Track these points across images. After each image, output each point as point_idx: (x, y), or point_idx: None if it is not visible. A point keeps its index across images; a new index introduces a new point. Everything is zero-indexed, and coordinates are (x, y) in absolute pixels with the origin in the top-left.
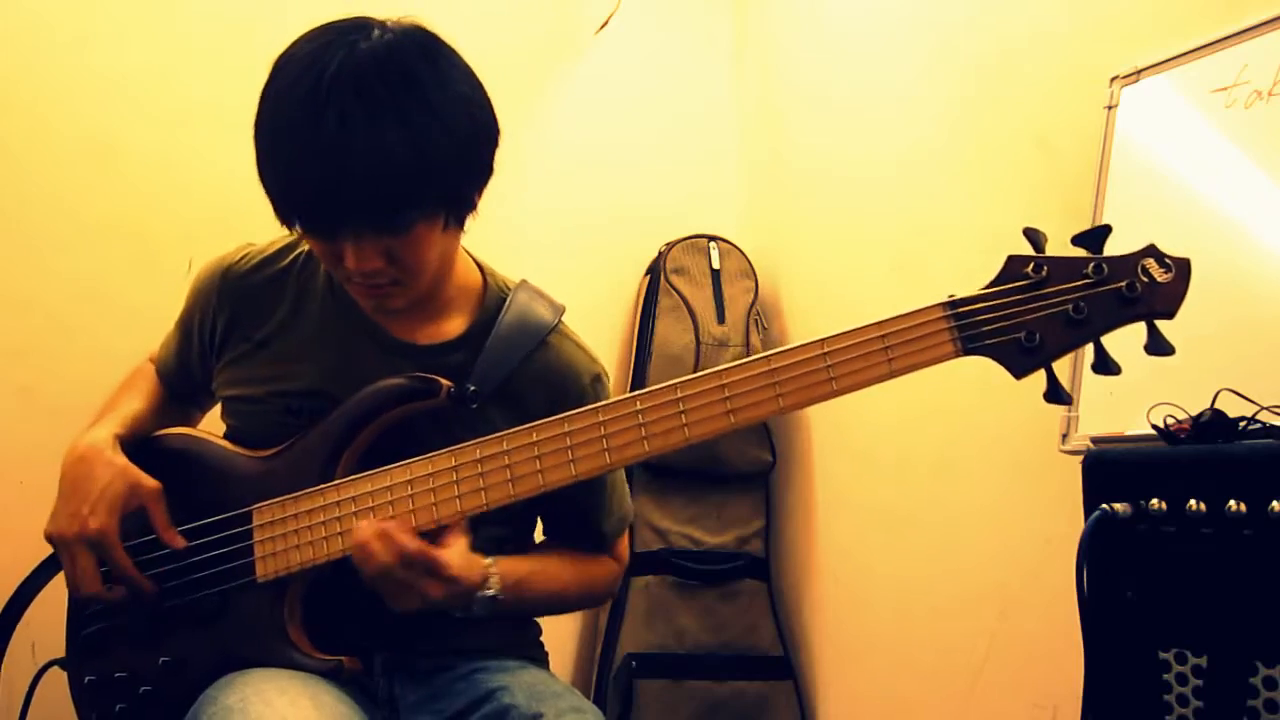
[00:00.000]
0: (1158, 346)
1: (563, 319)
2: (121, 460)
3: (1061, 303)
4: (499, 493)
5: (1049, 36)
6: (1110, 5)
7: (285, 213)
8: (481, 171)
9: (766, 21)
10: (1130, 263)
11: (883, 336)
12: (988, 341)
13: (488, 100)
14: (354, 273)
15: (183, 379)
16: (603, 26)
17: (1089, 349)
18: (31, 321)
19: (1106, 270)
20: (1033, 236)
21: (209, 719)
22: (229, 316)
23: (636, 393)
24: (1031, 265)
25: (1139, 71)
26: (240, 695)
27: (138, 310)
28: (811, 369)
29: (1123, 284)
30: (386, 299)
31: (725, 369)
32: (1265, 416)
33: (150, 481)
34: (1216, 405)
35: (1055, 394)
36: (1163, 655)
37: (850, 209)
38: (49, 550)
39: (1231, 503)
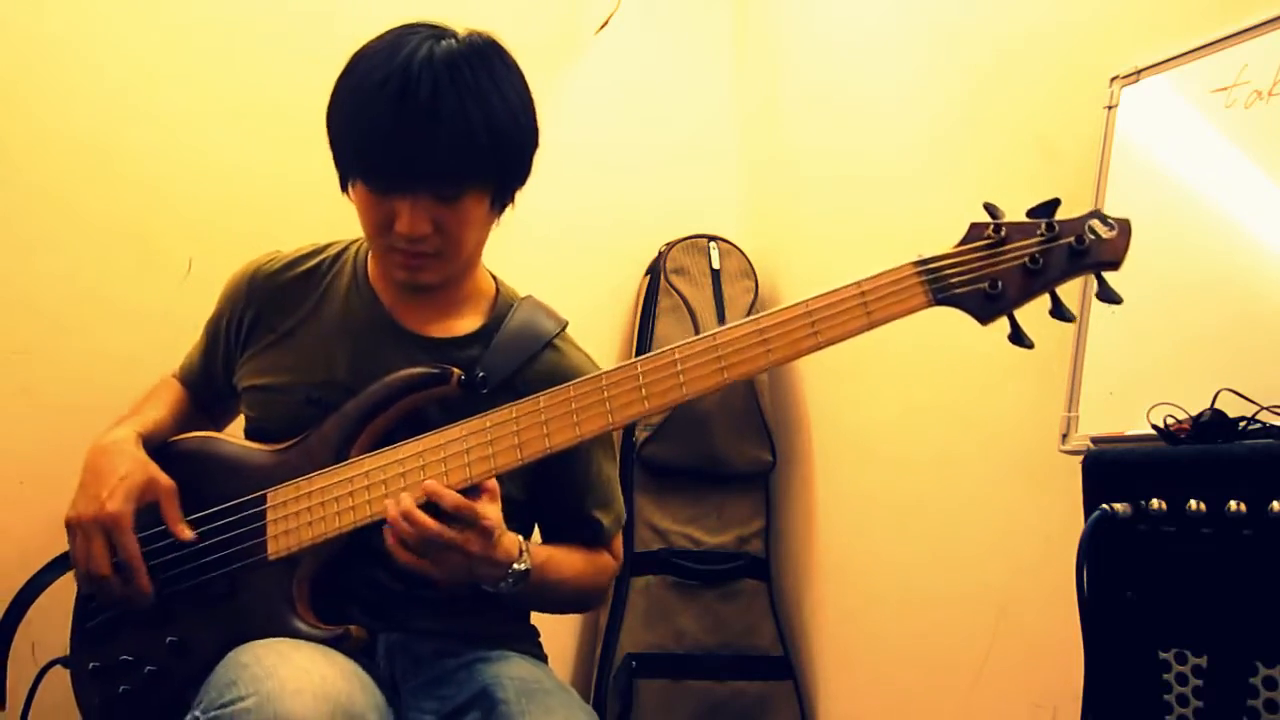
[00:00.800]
0: (1106, 295)
1: (566, 330)
2: (142, 455)
3: (1020, 255)
4: (507, 457)
5: (1049, 36)
6: (1110, 5)
7: (359, 170)
8: (528, 169)
9: (767, 21)
10: (1079, 223)
11: (861, 293)
12: (956, 291)
13: (535, 107)
14: (402, 237)
15: (205, 382)
16: (603, 26)
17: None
18: (31, 321)
19: (1058, 229)
20: (991, 209)
21: (223, 673)
22: (256, 312)
23: (638, 358)
24: (991, 228)
25: (1139, 71)
26: (253, 654)
27: (138, 310)
28: (796, 325)
29: (1072, 239)
30: (422, 270)
31: (717, 331)
32: (1265, 416)
33: (166, 479)
34: (1216, 405)
35: (1018, 338)
36: (1163, 655)
37: (851, 209)
38: (51, 549)
39: (1231, 503)
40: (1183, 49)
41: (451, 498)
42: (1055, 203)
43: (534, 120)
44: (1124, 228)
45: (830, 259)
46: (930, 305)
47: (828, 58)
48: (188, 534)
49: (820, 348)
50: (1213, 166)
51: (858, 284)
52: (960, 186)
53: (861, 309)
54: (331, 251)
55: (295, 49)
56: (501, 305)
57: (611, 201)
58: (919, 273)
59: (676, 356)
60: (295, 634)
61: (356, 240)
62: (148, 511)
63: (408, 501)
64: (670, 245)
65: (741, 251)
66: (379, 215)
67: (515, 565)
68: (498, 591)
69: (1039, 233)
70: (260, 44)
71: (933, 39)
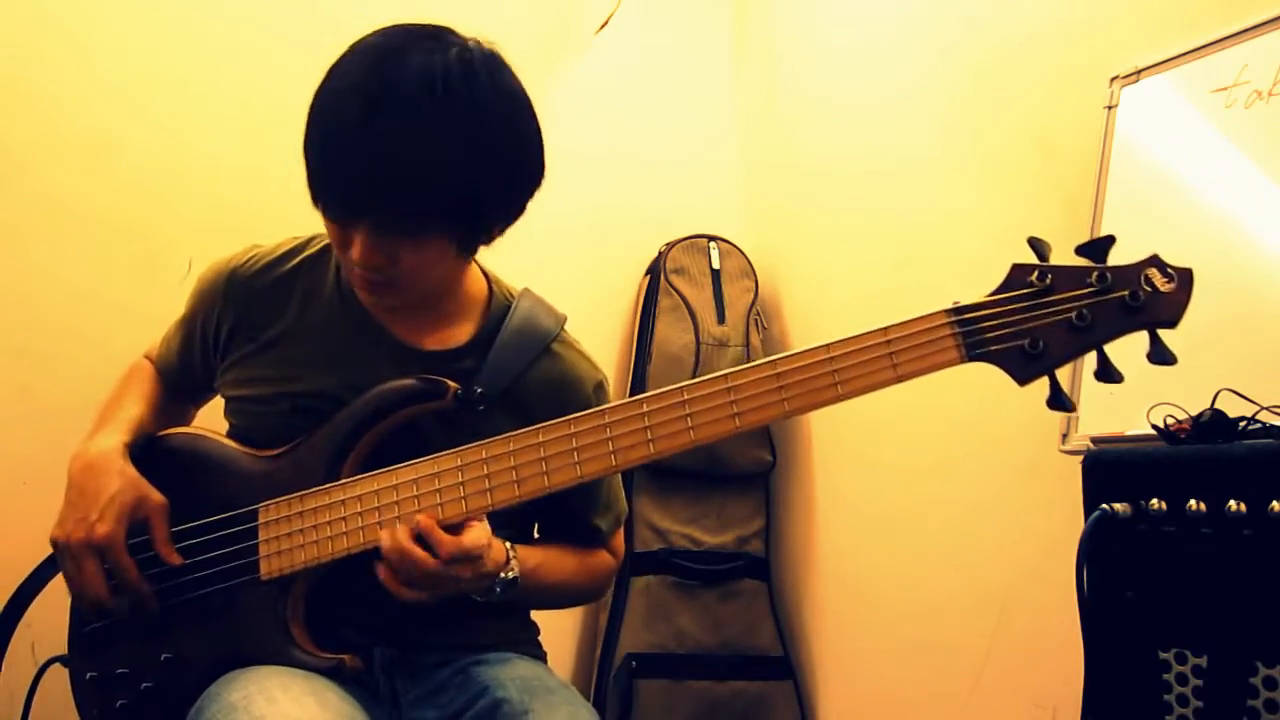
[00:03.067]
0: (1160, 356)
1: (564, 328)
2: (132, 471)
3: (1065, 311)
4: (504, 493)
5: (1049, 36)
6: (1110, 5)
7: (312, 185)
8: (516, 211)
9: (766, 21)
10: (1133, 272)
11: (888, 342)
12: (992, 348)
13: (541, 140)
14: (356, 262)
15: (184, 377)
16: (603, 26)
17: (1091, 356)
18: (31, 321)
19: (1110, 279)
20: (1037, 246)
21: (212, 716)
22: (235, 318)
23: (642, 395)
24: (1036, 274)
25: (1139, 71)
26: (244, 692)
27: (138, 310)
28: (817, 374)
29: (1126, 293)
30: (381, 296)
31: (731, 373)
32: (1265, 416)
33: (157, 496)
34: (1216, 405)
35: (1058, 400)
36: (1163, 655)
37: (850, 209)
38: (50, 550)
39: (1231, 503)
40: (1183, 49)
41: (447, 545)
42: (1108, 242)
43: (533, 157)
44: (1184, 280)
45: (830, 259)
46: (963, 362)
47: (828, 58)
48: (176, 559)
49: (841, 400)
50: (1213, 166)
51: (884, 331)
52: (960, 186)
53: (888, 360)
54: (314, 249)
55: (297, 48)
56: (496, 307)
57: (611, 201)
58: (952, 324)
59: (685, 398)
60: (290, 659)
61: None
62: (138, 525)
63: (403, 537)
64: (670, 245)
65: (741, 251)
66: (337, 236)
67: (502, 574)
68: (488, 599)
69: (1088, 283)
70: (262, 43)
71: (933, 39)
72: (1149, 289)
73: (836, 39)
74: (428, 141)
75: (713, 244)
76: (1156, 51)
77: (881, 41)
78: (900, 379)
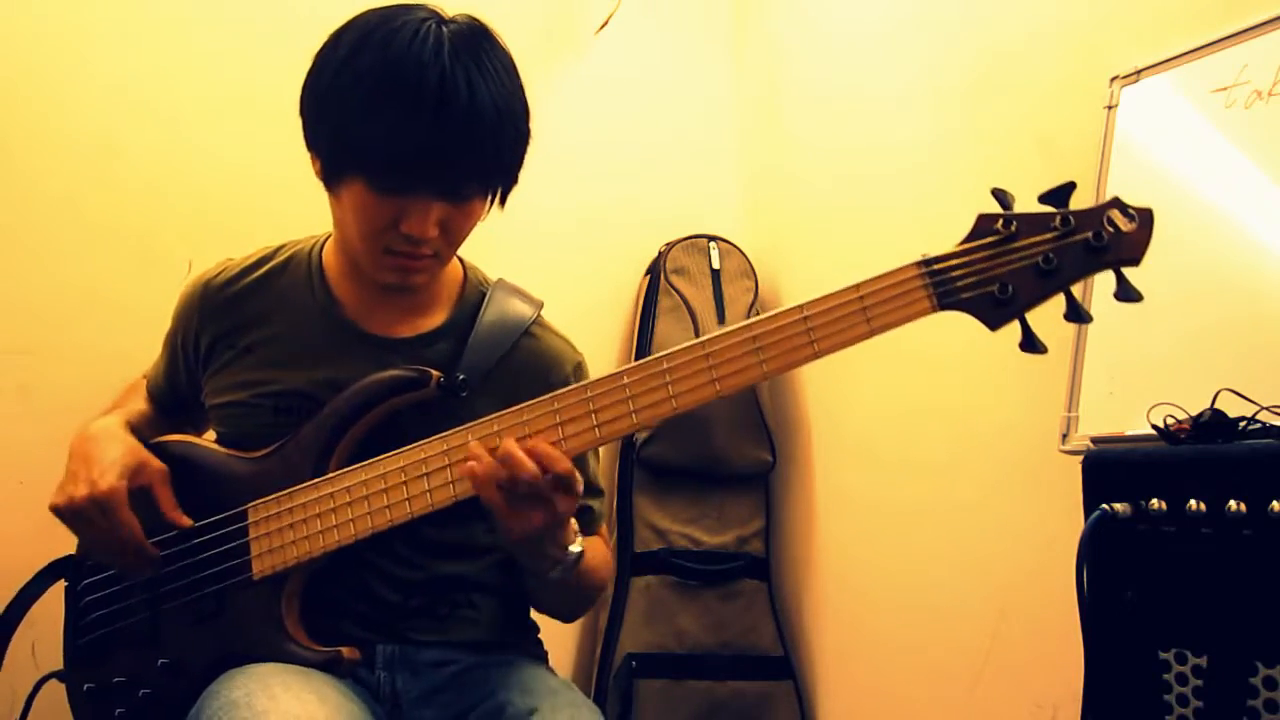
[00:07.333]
0: (1126, 293)
1: (541, 312)
2: (132, 439)
3: (1032, 255)
4: None
5: (1049, 36)
6: (1110, 5)
7: (371, 170)
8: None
9: (766, 21)
10: (1096, 214)
11: (860, 297)
12: (963, 296)
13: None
14: (404, 239)
15: (172, 396)
16: (603, 26)
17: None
18: (31, 321)
19: (1074, 222)
20: (1000, 196)
21: (213, 714)
22: (213, 329)
23: (624, 367)
24: (1001, 221)
25: (1139, 71)
26: (245, 689)
27: (138, 310)
28: (792, 333)
29: (1090, 234)
30: (417, 272)
31: (707, 339)
32: (1265, 416)
33: (158, 462)
34: (1216, 405)
35: (1030, 344)
36: (1163, 655)
37: (850, 209)
38: (49, 551)
39: (1231, 503)
40: (1183, 49)
41: (564, 463)
42: (1069, 188)
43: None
44: (1145, 218)
45: (830, 259)
46: (935, 311)
47: (828, 57)
48: (185, 520)
49: (818, 357)
50: (1213, 166)
51: (856, 287)
52: (960, 186)
53: (861, 315)
54: (282, 256)
55: (297, 48)
56: (470, 293)
57: (611, 201)
58: (922, 275)
59: (665, 366)
60: (287, 656)
61: (308, 241)
62: (138, 507)
63: (512, 443)
64: (670, 245)
65: (741, 251)
66: (382, 216)
67: (572, 548)
68: (545, 575)
69: (1052, 226)
70: (262, 42)
71: (933, 39)
72: (1112, 229)
73: (836, 38)
74: (491, 104)
75: (713, 244)
76: (1156, 51)
77: (881, 41)
78: (874, 332)
